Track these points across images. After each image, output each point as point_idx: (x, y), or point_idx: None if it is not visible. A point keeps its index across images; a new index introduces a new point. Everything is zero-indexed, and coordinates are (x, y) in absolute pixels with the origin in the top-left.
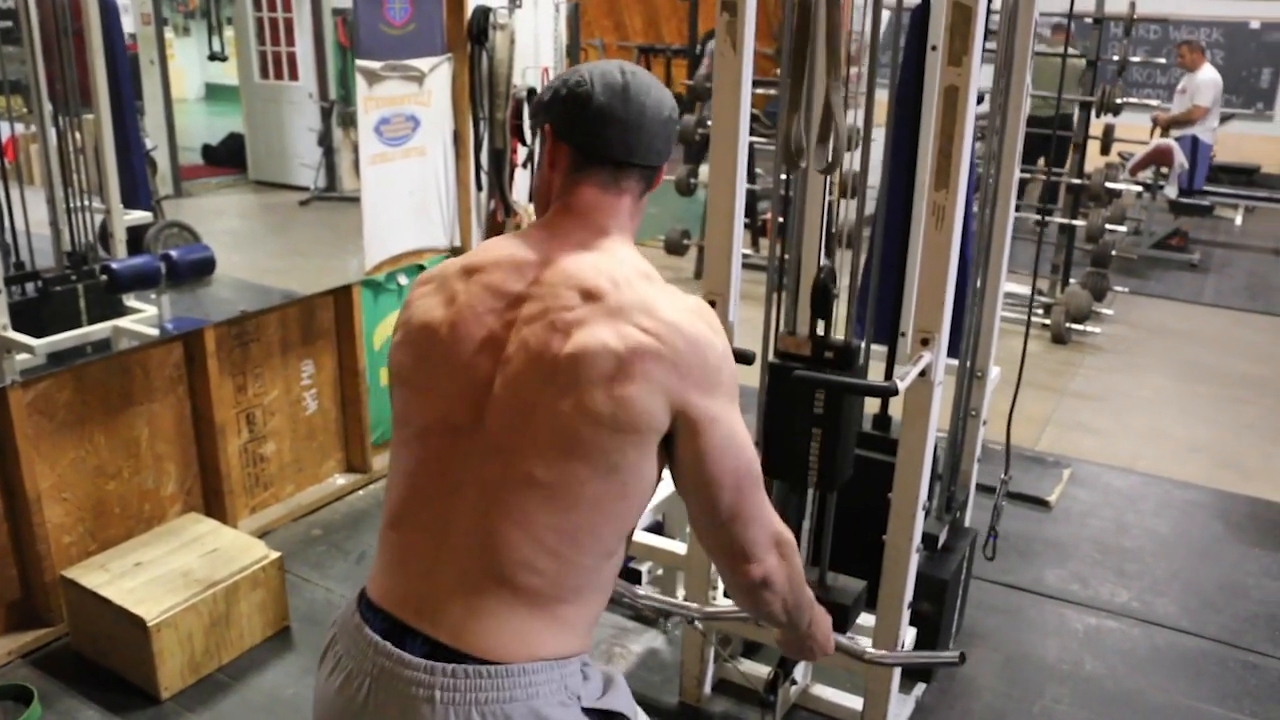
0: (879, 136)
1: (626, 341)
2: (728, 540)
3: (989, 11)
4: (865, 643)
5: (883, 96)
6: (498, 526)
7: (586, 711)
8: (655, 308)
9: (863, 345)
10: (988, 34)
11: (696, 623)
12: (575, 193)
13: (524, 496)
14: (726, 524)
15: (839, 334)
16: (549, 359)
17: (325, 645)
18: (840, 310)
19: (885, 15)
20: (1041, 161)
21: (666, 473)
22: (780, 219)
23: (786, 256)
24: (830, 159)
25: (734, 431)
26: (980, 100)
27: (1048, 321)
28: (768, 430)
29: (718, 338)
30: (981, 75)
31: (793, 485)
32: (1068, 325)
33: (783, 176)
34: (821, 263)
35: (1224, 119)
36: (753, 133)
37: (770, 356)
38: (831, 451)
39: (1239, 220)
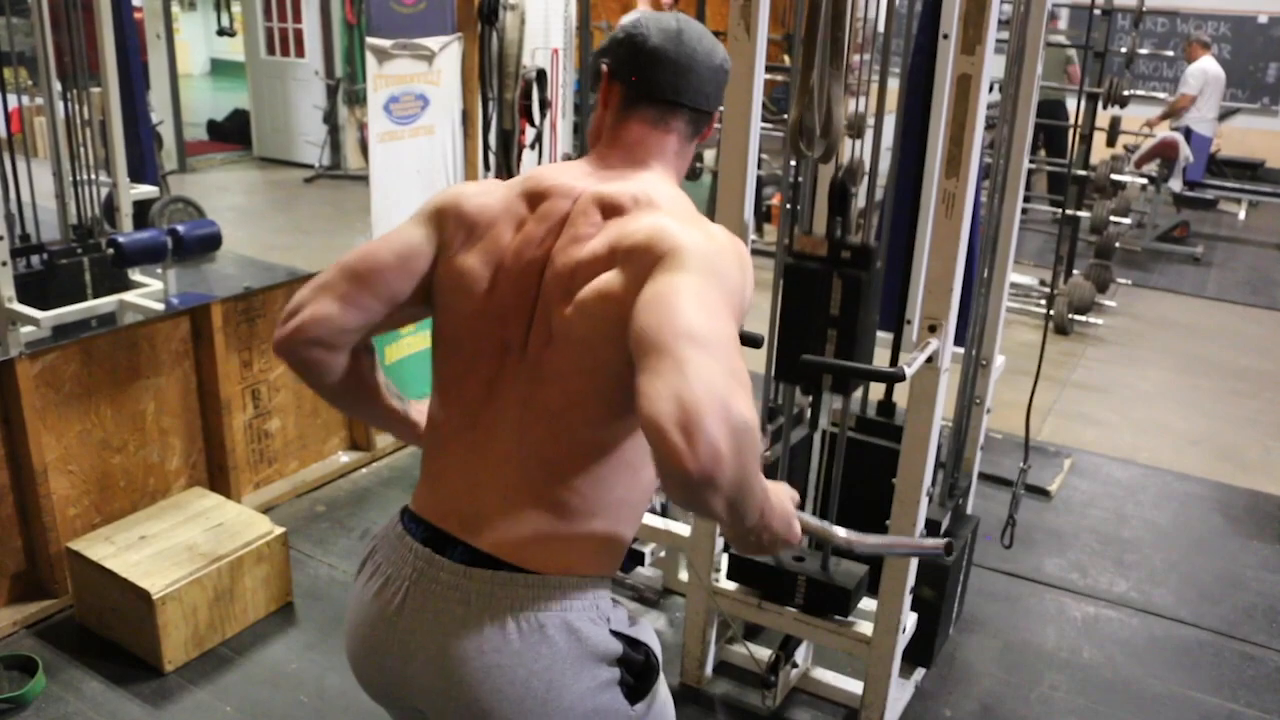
0: (889, 124)
1: (618, 240)
2: (658, 397)
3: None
4: (865, 629)
5: (893, 84)
6: (539, 445)
7: (614, 634)
8: (664, 222)
9: (879, 247)
10: (999, 24)
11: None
12: (624, 128)
13: (555, 415)
14: (660, 374)
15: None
16: (565, 272)
17: (364, 556)
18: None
19: (898, 2)
20: (1043, 152)
21: None
22: (789, 205)
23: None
24: (825, 149)
25: (689, 287)
26: (990, 89)
27: (1051, 312)
28: (783, 332)
29: (731, 244)
30: (993, 65)
31: (805, 389)
32: (1070, 316)
33: (791, 163)
34: (841, 162)
35: (1229, 113)
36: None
37: (786, 258)
38: (848, 351)
39: (1242, 214)
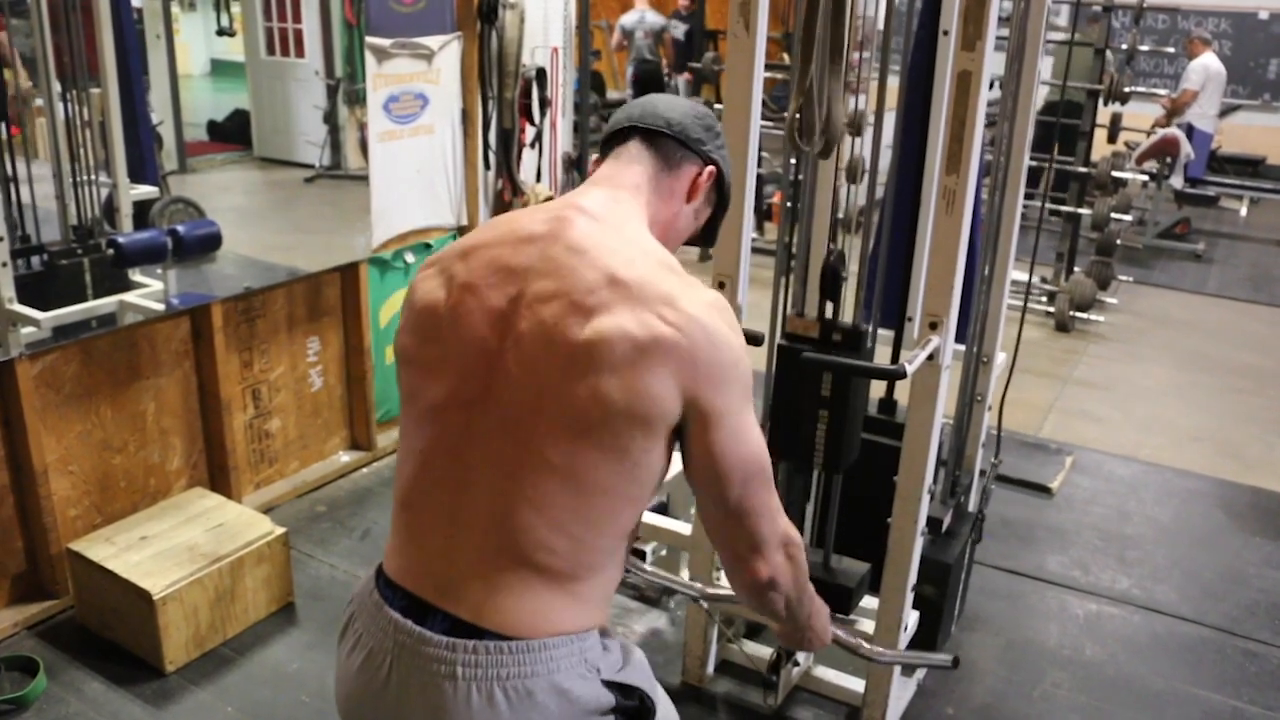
0: (889, 121)
1: (647, 330)
2: (734, 535)
3: None
4: (867, 627)
5: (893, 81)
6: (513, 508)
7: (606, 684)
8: (678, 299)
9: (870, 329)
10: (1000, 20)
11: (701, 602)
12: (595, 170)
13: (538, 478)
14: (734, 519)
15: (847, 318)
16: (568, 341)
17: (345, 622)
18: (849, 295)
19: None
20: (1056, 149)
21: (676, 454)
22: (789, 204)
23: (794, 241)
24: (822, 146)
25: (744, 426)
26: (991, 86)
27: (1052, 309)
28: (775, 411)
29: (735, 335)
30: (993, 62)
31: (799, 466)
32: (1072, 313)
33: (792, 161)
34: (830, 246)
35: (1230, 110)
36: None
37: (779, 339)
38: (838, 434)
39: (1244, 211)
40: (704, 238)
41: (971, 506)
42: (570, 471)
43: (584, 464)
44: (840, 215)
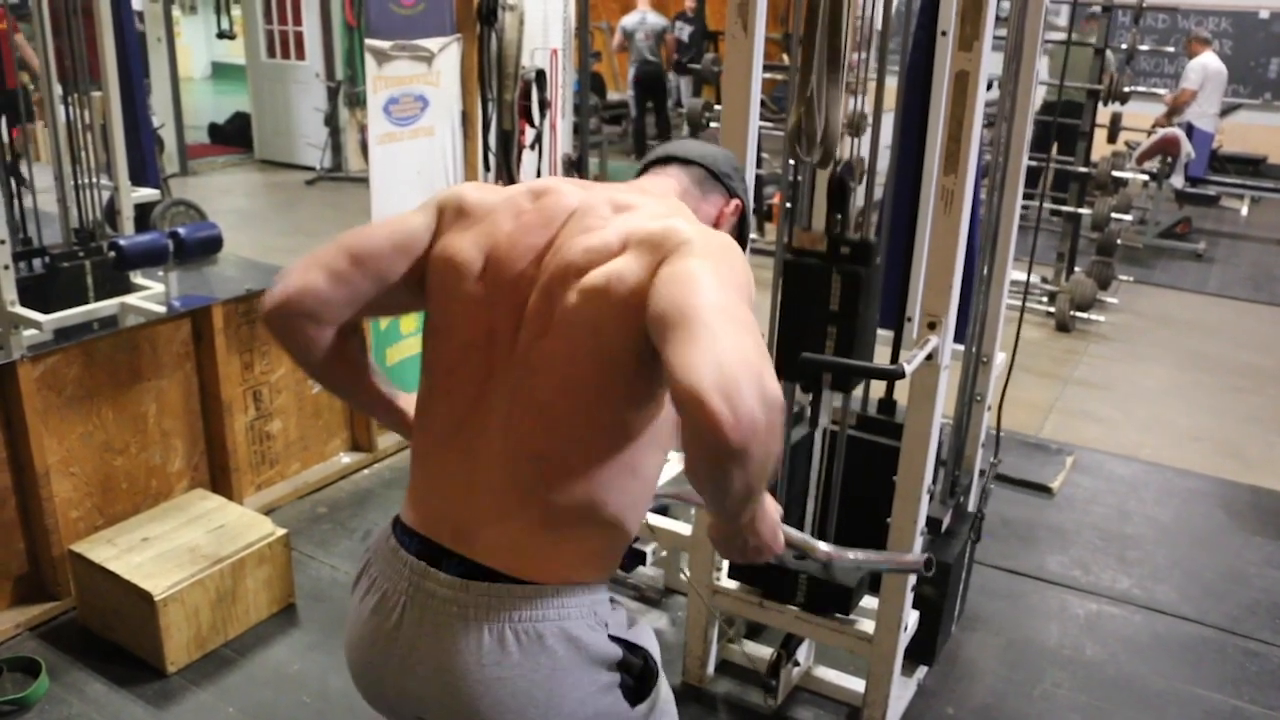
0: (888, 122)
1: (630, 231)
2: (699, 372)
3: None
4: (867, 627)
5: (892, 82)
6: (527, 445)
7: (613, 639)
8: (676, 220)
9: (879, 242)
10: (998, 20)
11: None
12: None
13: (547, 409)
14: (700, 351)
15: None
16: (569, 261)
17: (359, 570)
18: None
19: (895, 1)
20: (1055, 149)
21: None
22: (788, 204)
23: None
24: (820, 155)
25: (708, 270)
26: (990, 87)
27: (1053, 309)
28: (782, 328)
29: (736, 247)
30: (992, 62)
31: (807, 386)
32: (1072, 313)
33: (790, 162)
34: (839, 158)
35: (1230, 109)
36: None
37: (784, 255)
38: (847, 349)
39: (1245, 211)
40: None
41: (971, 506)
42: (575, 403)
43: (584, 387)
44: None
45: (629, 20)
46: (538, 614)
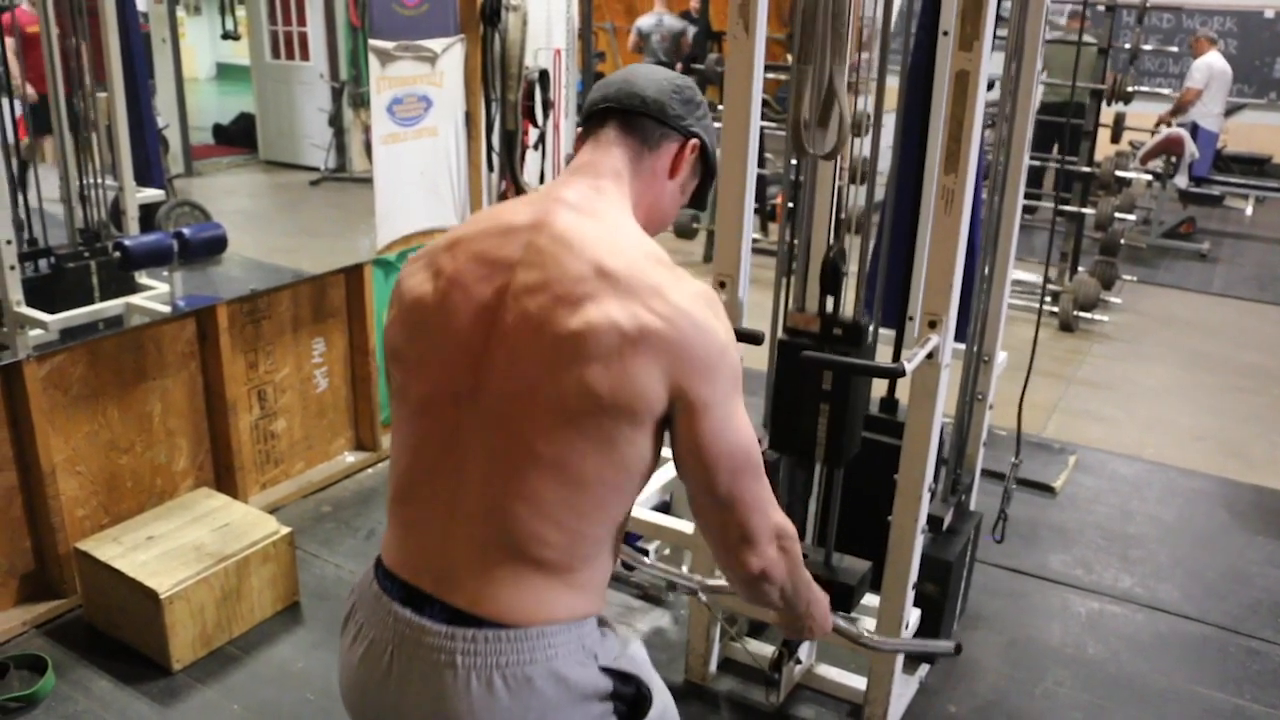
0: (889, 122)
1: (635, 321)
2: (724, 528)
3: None
4: (868, 624)
5: (893, 82)
6: (505, 501)
7: (604, 670)
8: (666, 290)
9: (871, 325)
10: (999, 20)
11: (701, 595)
12: (576, 155)
13: (529, 472)
14: (723, 510)
15: (848, 313)
16: (555, 333)
17: (346, 614)
18: (849, 294)
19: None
20: (1055, 149)
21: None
22: (790, 204)
23: (796, 240)
24: (833, 144)
25: (732, 416)
26: (990, 87)
27: (1056, 309)
28: (776, 406)
29: (723, 325)
30: (992, 62)
31: (800, 461)
32: (1076, 313)
33: (793, 161)
34: (831, 242)
35: (1235, 109)
36: (762, 117)
37: (780, 334)
38: (839, 427)
39: (1249, 210)
40: (694, 203)
41: (972, 505)
42: (559, 463)
43: (572, 455)
44: (842, 216)
45: (645, 21)
46: (524, 657)
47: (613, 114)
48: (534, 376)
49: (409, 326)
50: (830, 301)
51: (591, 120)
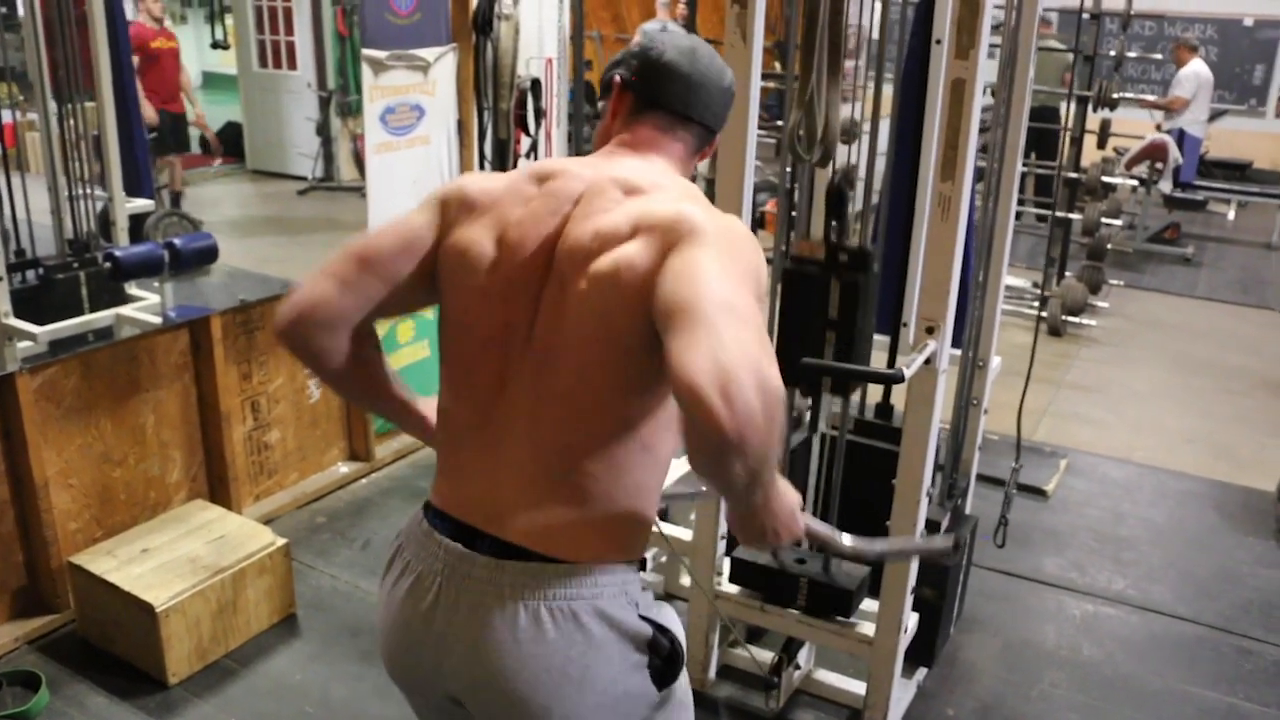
0: (883, 128)
1: (640, 216)
2: (695, 366)
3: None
4: (867, 629)
5: (887, 90)
6: (551, 433)
7: (643, 619)
8: (687, 206)
9: (877, 249)
10: (991, 29)
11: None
12: (633, 129)
13: (567, 398)
14: (696, 342)
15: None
16: (580, 247)
17: (390, 556)
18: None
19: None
20: (1033, 155)
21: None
22: (792, 213)
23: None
24: (820, 154)
25: (712, 259)
26: (983, 93)
27: (1044, 314)
28: (782, 335)
29: (747, 232)
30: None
31: (806, 390)
32: (1064, 318)
33: (788, 169)
34: (837, 166)
35: (1217, 115)
36: None
37: (785, 263)
38: (845, 355)
39: (1231, 215)
40: None
41: (969, 510)
42: (600, 388)
43: (597, 370)
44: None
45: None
46: (572, 592)
47: (656, 109)
48: (564, 294)
49: (491, 247)
50: (836, 228)
51: (635, 93)
